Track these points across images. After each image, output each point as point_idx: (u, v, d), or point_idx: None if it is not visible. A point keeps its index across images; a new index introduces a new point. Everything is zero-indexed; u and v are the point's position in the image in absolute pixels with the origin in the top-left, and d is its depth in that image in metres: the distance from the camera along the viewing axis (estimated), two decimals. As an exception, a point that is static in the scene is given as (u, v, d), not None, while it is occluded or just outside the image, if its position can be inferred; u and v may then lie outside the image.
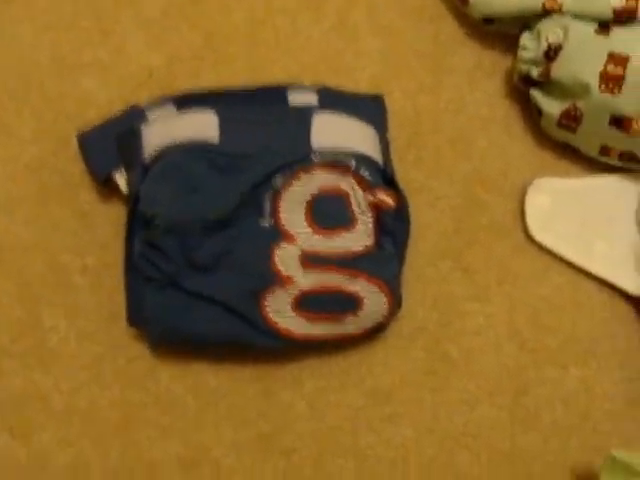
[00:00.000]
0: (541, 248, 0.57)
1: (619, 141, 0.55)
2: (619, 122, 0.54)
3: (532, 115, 0.58)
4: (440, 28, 0.59)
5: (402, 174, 0.55)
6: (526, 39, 0.56)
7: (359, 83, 0.58)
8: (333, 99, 0.55)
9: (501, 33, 0.59)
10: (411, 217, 0.54)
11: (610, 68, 0.53)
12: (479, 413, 0.55)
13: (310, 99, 0.55)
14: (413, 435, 0.55)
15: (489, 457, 0.55)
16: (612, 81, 0.54)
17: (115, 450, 0.54)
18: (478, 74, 0.58)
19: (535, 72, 0.56)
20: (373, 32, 0.59)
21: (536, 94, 0.56)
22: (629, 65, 0.53)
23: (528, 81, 0.57)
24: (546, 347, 0.56)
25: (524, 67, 0.56)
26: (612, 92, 0.53)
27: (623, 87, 0.53)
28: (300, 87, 0.56)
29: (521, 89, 0.58)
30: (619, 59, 0.53)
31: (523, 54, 0.56)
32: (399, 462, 0.54)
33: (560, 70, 0.54)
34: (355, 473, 0.54)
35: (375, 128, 0.55)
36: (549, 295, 0.57)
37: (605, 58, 0.53)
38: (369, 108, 0.56)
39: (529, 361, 0.56)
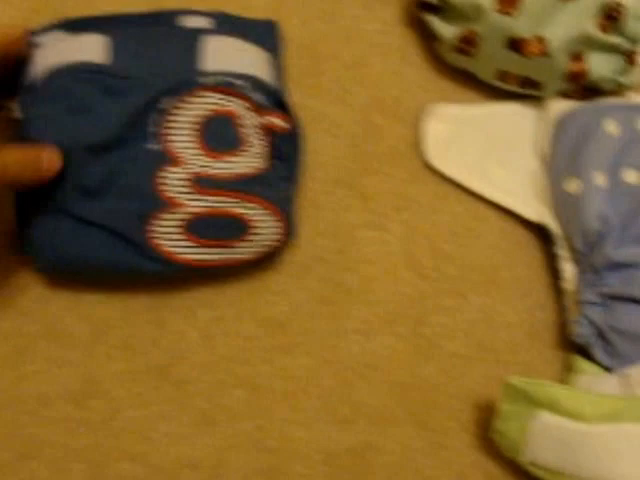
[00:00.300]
0: (439, 175, 0.56)
1: (517, 65, 0.55)
2: (516, 44, 0.54)
3: (429, 41, 0.57)
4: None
5: (299, 101, 0.55)
6: None
7: (255, 11, 0.57)
8: (227, 24, 0.55)
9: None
10: (306, 144, 0.53)
11: (505, -12, 0.53)
12: (377, 343, 0.54)
13: (203, 23, 0.55)
14: (309, 365, 0.53)
15: (387, 388, 0.53)
16: (507, 2, 0.53)
17: (3, 383, 0.52)
18: (375, 1, 0.58)
19: (431, -4, 0.55)
20: (269, -40, 0.59)
21: (432, 19, 0.56)
22: (525, -15, 0.52)
23: (425, 6, 0.56)
24: (445, 275, 0.55)
25: None
26: (507, 13, 0.53)
27: (518, 7, 0.53)
28: (193, 12, 0.55)
29: (418, 15, 0.57)
30: (514, -21, 0.53)
31: None
32: (295, 393, 0.53)
33: (455, -7, 0.54)
34: (249, 404, 0.52)
35: (270, 53, 0.55)
36: (448, 223, 0.56)
37: (499, -22, 0.53)
38: (264, 34, 0.55)
39: (428, 290, 0.55)
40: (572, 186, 0.54)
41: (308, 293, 0.54)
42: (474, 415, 0.53)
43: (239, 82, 0.51)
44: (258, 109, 0.51)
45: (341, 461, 0.52)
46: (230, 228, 0.51)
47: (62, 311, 0.53)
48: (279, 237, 0.52)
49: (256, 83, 0.52)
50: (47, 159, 0.48)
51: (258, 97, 0.52)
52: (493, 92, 0.57)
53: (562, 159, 0.55)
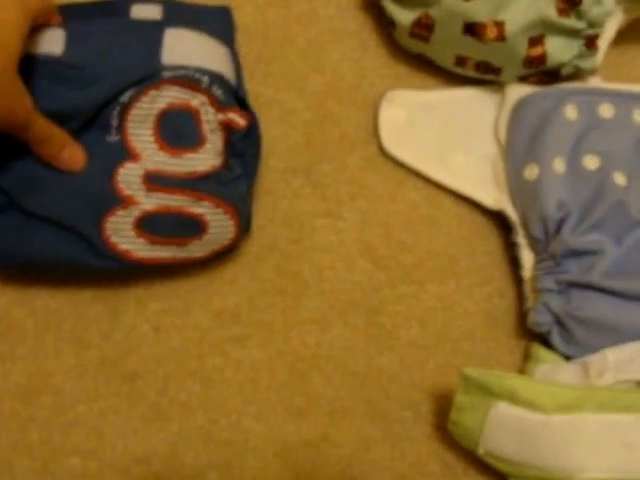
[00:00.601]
0: (396, 163, 0.55)
1: (474, 50, 0.53)
2: (472, 29, 0.52)
3: (386, 27, 0.56)
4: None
5: (252, 89, 0.53)
6: None
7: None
8: (178, 12, 0.53)
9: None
10: (262, 135, 0.52)
11: (459, -29, 0.52)
12: (332, 333, 0.53)
13: (154, 12, 0.53)
14: (263, 357, 0.52)
15: (343, 379, 0.52)
16: (464, -15, 0.52)
17: (-51, 380, 0.51)
18: (330, -14, 0.57)
19: (385, -20, 0.54)
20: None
21: (387, 3, 0.55)
22: (481, -31, 0.51)
23: (381, -9, 0.55)
24: (401, 264, 0.54)
25: None
26: (465, -3, 0.52)
27: (475, -9, 0.51)
28: (143, 0, 0.54)
29: (374, 1, 0.56)
30: (470, -38, 0.52)
31: None
32: (248, 385, 0.52)
33: (394, -24, 0.53)
34: (202, 397, 0.51)
35: (224, 41, 0.53)
36: (404, 211, 0.55)
37: (455, -39, 0.52)
38: (216, 20, 0.54)
39: (384, 279, 0.54)
40: (531, 173, 0.53)
41: (262, 283, 0.53)
42: (431, 405, 0.52)
43: (199, 76, 0.50)
44: (217, 105, 0.50)
45: (296, 454, 0.51)
46: (183, 226, 0.50)
47: (9, 304, 0.52)
48: (233, 236, 0.51)
49: (216, 78, 0.50)
50: (69, 154, 0.48)
51: (218, 93, 0.50)
52: (451, 77, 0.56)
53: (521, 145, 0.54)
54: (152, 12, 0.53)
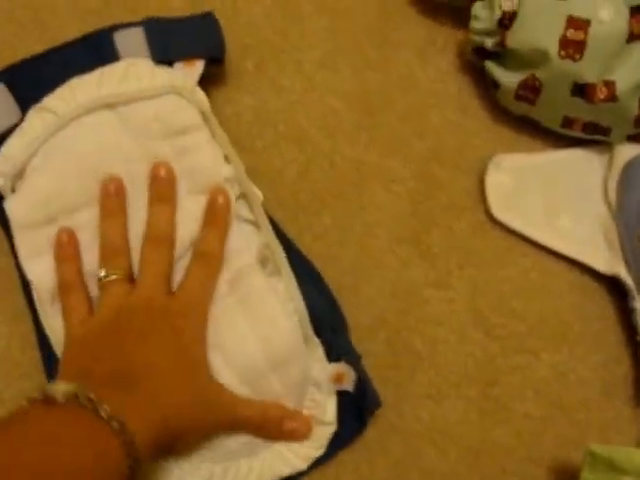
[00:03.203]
0: (504, 228, 0.54)
1: (582, 111, 0.52)
2: (582, 90, 0.51)
3: (488, 89, 0.55)
4: (388, 3, 0.57)
5: (354, 156, 0.53)
6: (478, 9, 0.53)
7: (305, 65, 0.55)
8: (162, 31, 0.51)
9: (452, 7, 0.56)
10: (365, 201, 0.52)
11: (570, 33, 0.50)
12: (446, 407, 0.51)
13: (138, 39, 0.51)
14: (376, 435, 0.51)
15: (458, 453, 0.51)
16: (572, 47, 0.50)
17: None
18: (429, 49, 0.55)
19: (489, 43, 0.52)
20: (318, 10, 0.56)
21: (491, 66, 0.53)
22: (590, 29, 0.50)
23: (482, 53, 0.53)
24: (514, 333, 0.53)
25: (477, 38, 0.53)
26: (573, 58, 0.50)
27: (585, 53, 0.50)
28: (124, 26, 0.51)
29: (475, 63, 0.55)
30: (579, 23, 0.50)
31: (476, 25, 0.53)
32: (364, 464, 0.51)
33: (516, 38, 0.51)
34: None
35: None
36: (514, 277, 0.53)
37: (564, 23, 0.50)
38: (202, 28, 0.52)
39: (497, 349, 0.52)
40: (646, 236, 0.52)
41: (374, 358, 0.51)
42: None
43: None
44: None
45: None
46: None
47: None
48: None
49: None
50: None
51: None
52: (556, 138, 0.55)
53: (633, 206, 0.52)
54: (136, 38, 0.51)
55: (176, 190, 0.48)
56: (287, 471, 0.48)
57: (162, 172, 0.48)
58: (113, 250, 0.47)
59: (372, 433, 0.51)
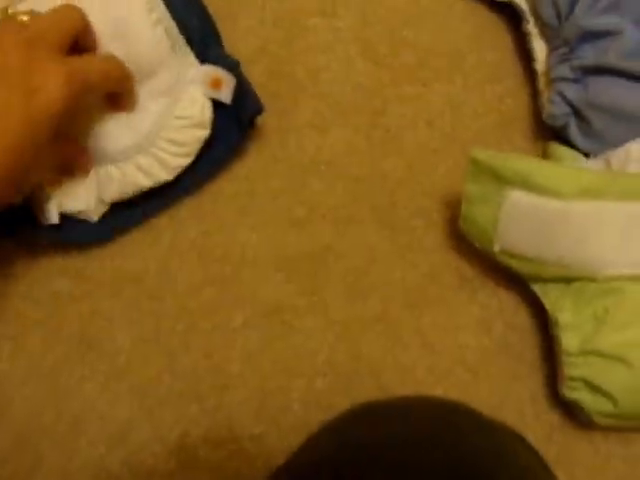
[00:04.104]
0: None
1: None
2: None
3: None
4: None
5: None
6: None
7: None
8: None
9: None
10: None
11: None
12: (332, 137, 0.49)
13: None
14: (257, 165, 0.48)
15: (345, 185, 0.48)
16: None
17: None
18: None
19: None
20: None
21: None
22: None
23: None
24: (404, 63, 0.50)
25: None
26: None
27: None
28: None
29: None
30: None
31: None
32: (243, 195, 0.48)
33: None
34: (194, 208, 0.48)
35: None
36: (405, 6, 0.50)
37: None
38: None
39: (386, 78, 0.50)
40: (539, -49, 0.49)
41: (254, 87, 0.48)
42: (443, 213, 0.48)
43: None
44: None
45: (297, 266, 0.47)
46: None
47: None
48: None
49: None
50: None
51: None
52: None
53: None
54: None
55: None
56: (148, 182, 0.46)
57: None
58: None
59: (254, 164, 0.48)
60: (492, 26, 0.51)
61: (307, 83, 0.49)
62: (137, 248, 0.47)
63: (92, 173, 0.46)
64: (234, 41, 0.49)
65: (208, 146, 0.46)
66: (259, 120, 0.48)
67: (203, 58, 0.47)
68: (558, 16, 0.48)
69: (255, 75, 0.49)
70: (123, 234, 0.48)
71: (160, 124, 0.45)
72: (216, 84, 0.45)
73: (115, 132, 0.46)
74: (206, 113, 0.45)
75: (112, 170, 0.45)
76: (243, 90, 0.46)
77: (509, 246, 0.45)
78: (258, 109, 0.46)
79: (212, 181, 0.48)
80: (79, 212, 0.46)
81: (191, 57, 0.46)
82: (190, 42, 0.46)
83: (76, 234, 0.47)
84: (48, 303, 0.47)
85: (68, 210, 0.46)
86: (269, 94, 0.49)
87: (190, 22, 0.46)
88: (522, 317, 0.47)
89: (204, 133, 0.46)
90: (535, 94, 0.50)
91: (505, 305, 0.47)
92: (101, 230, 0.47)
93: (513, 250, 0.45)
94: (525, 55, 0.50)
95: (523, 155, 0.47)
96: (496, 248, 0.45)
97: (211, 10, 0.48)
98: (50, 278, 0.47)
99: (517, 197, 0.43)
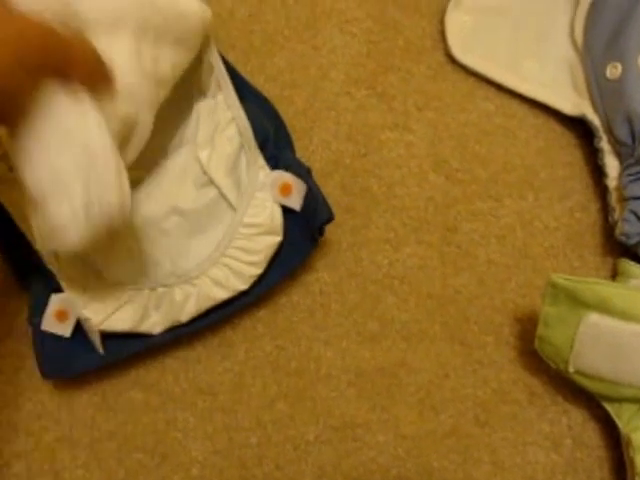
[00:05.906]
0: (465, 70, 0.51)
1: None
2: None
3: None
4: None
5: (310, -1, 0.51)
6: None
7: None
8: None
9: None
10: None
11: None
12: (405, 253, 0.49)
13: None
14: (331, 280, 0.49)
15: (418, 300, 0.49)
16: None
17: None
18: None
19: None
20: None
21: None
22: None
23: None
24: (477, 178, 0.50)
25: None
26: None
27: None
28: None
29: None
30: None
31: None
32: (318, 310, 0.49)
33: None
34: (269, 322, 0.49)
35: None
36: (476, 121, 0.51)
37: None
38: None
39: (458, 194, 0.50)
40: (613, 71, 0.49)
41: (329, 201, 0.49)
42: (514, 328, 0.49)
43: None
44: None
45: (370, 381, 0.48)
46: None
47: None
48: None
49: None
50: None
51: None
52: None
53: (600, 43, 0.50)
54: None
55: None
56: (225, 294, 0.46)
57: None
58: None
59: (328, 278, 0.49)
60: (563, 141, 0.51)
61: (381, 198, 0.50)
62: (211, 361, 0.48)
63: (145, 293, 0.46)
64: (309, 154, 0.50)
65: (278, 253, 0.47)
66: (333, 235, 0.49)
67: (274, 163, 0.47)
68: (632, 134, 0.48)
69: (329, 188, 0.50)
70: (194, 346, 0.49)
71: (230, 233, 0.46)
72: (286, 190, 0.46)
73: (192, 248, 0.47)
74: (276, 219, 0.46)
75: (188, 288, 0.46)
76: (314, 197, 0.46)
77: (584, 367, 0.45)
78: (329, 216, 0.46)
79: (287, 296, 0.49)
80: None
81: (260, 160, 0.47)
82: (262, 146, 0.47)
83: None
84: (122, 413, 0.48)
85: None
86: (343, 208, 0.50)
87: (264, 125, 0.47)
88: (591, 434, 0.48)
89: (276, 239, 0.46)
90: (604, 209, 0.50)
91: (574, 422, 0.48)
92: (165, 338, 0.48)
93: (588, 371, 0.45)
94: (595, 169, 0.51)
95: (601, 279, 0.47)
96: (571, 369, 0.45)
97: (287, 123, 0.49)
98: (124, 389, 0.48)
99: (595, 320, 0.43)
